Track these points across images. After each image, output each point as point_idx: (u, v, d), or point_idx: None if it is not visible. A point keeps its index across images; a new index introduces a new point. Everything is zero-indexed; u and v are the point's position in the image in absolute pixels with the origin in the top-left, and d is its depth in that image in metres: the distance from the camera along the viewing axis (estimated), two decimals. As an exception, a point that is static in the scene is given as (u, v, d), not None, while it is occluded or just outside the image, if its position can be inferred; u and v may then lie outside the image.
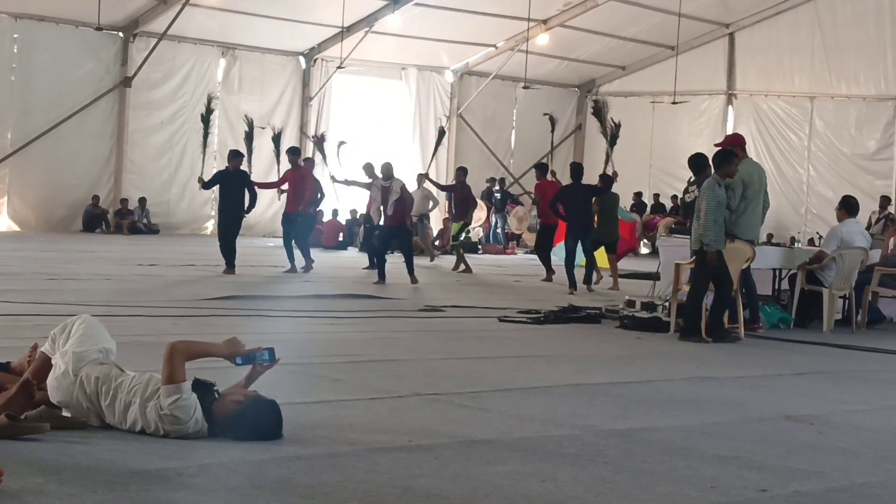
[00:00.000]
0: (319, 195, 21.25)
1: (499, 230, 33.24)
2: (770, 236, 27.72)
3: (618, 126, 20.81)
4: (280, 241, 20.72)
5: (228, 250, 18.49)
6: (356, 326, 12.15)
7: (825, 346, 12.35)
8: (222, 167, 20.93)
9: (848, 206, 14.60)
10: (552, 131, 32.78)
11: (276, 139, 22.21)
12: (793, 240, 20.90)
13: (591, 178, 21.47)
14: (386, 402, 7.38)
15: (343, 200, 29.09)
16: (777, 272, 14.99)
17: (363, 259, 24.37)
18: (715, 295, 12.41)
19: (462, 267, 21.98)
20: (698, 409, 7.81)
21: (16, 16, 27.99)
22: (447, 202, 30.01)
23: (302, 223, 20.02)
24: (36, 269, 17.07)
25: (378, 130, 33.75)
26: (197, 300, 13.62)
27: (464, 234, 22.93)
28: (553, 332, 12.44)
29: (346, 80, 33.61)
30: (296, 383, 7.72)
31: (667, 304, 13.18)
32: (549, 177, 22.36)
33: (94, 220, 29.46)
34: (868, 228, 23.16)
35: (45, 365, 6.22)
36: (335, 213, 29.51)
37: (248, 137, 21.80)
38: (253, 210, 19.72)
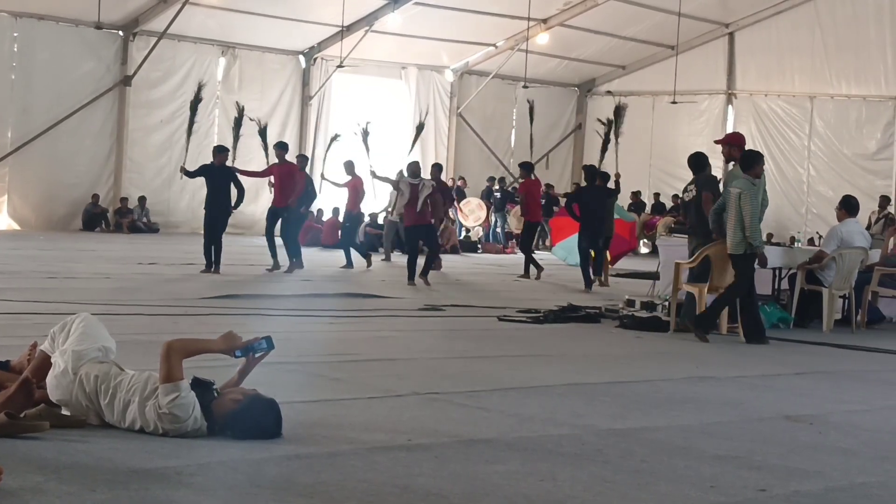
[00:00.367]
0: (312, 194, 21.05)
1: (498, 229, 33.24)
2: (770, 236, 27.72)
3: (611, 123, 21.09)
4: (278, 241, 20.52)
5: (213, 248, 18.29)
6: (355, 325, 12.16)
7: (825, 345, 12.35)
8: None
9: (848, 206, 14.59)
10: (531, 122, 32.45)
11: (262, 133, 22.04)
12: (793, 239, 20.92)
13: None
14: (385, 402, 7.38)
15: (338, 199, 29.06)
16: (777, 272, 14.98)
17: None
18: (727, 291, 12.44)
19: (440, 264, 21.78)
20: (698, 408, 7.81)
21: (16, 14, 27.96)
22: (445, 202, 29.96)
23: (291, 220, 19.97)
24: (35, 268, 17.07)
25: (378, 129, 33.66)
26: (196, 299, 13.62)
27: (435, 234, 22.60)
28: (552, 332, 12.44)
29: (345, 80, 33.58)
30: (295, 382, 7.71)
31: (666, 303, 13.18)
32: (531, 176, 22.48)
33: (93, 218, 29.45)
34: (868, 228, 23.15)
35: (45, 363, 6.22)
36: (335, 211, 29.47)
37: (237, 124, 21.78)
38: (240, 205, 19.44)
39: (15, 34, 28.21)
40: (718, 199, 13.33)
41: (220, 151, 18.99)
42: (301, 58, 33.42)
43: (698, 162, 13.82)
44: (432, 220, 19.13)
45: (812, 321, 14.08)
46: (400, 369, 8.93)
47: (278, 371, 7.30)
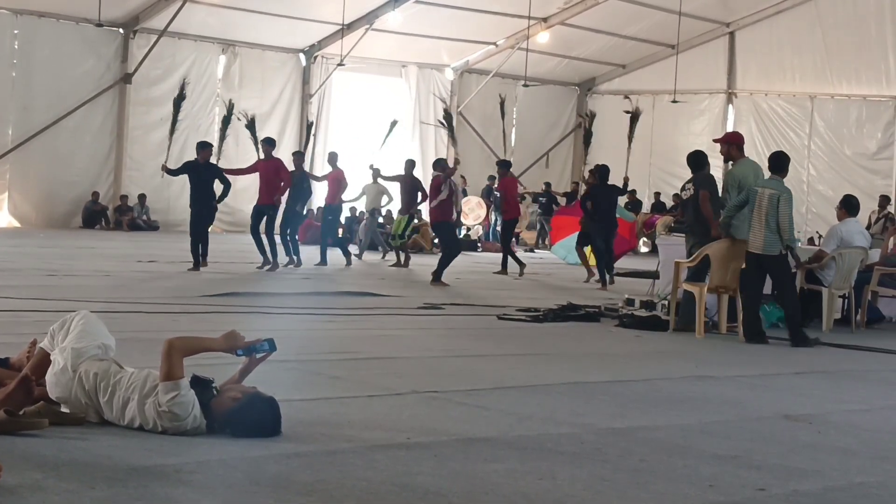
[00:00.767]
0: (308, 191, 20.90)
1: (498, 228, 33.20)
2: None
3: (592, 116, 21.52)
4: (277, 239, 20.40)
5: (200, 245, 18.11)
6: (355, 324, 12.15)
7: (824, 345, 12.35)
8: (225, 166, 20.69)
9: (848, 206, 14.59)
10: (502, 117, 32.32)
11: (251, 126, 21.91)
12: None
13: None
14: (384, 400, 7.38)
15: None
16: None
17: (363, 255, 24.38)
18: (788, 296, 12.59)
19: (403, 262, 21.85)
20: (697, 407, 7.81)
21: (16, 12, 28.00)
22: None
23: (290, 218, 19.95)
24: (35, 265, 17.07)
25: (378, 128, 33.67)
26: (196, 297, 13.61)
27: (409, 229, 22.39)
28: (552, 331, 12.44)
29: (346, 78, 33.61)
30: (294, 380, 7.71)
31: (666, 302, 13.18)
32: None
33: (93, 216, 29.47)
34: (868, 228, 23.16)
35: (44, 361, 6.22)
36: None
37: (226, 122, 21.70)
38: (225, 199, 19.16)
39: (15, 31, 28.25)
40: (716, 197, 13.36)
41: (203, 147, 18.72)
42: (301, 56, 33.43)
43: (697, 160, 13.81)
44: (450, 218, 19.29)
45: (812, 321, 14.07)
46: (399, 367, 8.92)
47: (277, 369, 7.30)
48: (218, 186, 18.61)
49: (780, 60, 35.15)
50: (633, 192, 35.58)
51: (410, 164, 21.89)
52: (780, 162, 12.78)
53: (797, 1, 34.20)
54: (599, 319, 13.67)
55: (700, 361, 10.51)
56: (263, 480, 5.08)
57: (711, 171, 14.04)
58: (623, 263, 24.66)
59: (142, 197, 30.10)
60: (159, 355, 5.90)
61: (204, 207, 18.50)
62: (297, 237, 20.68)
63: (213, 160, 19.16)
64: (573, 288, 18.71)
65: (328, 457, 5.59)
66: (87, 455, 5.32)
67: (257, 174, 19.85)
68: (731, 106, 36.69)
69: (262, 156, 19.86)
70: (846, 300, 14.69)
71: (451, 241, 19.55)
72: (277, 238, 19.50)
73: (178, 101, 21.65)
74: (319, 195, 26.15)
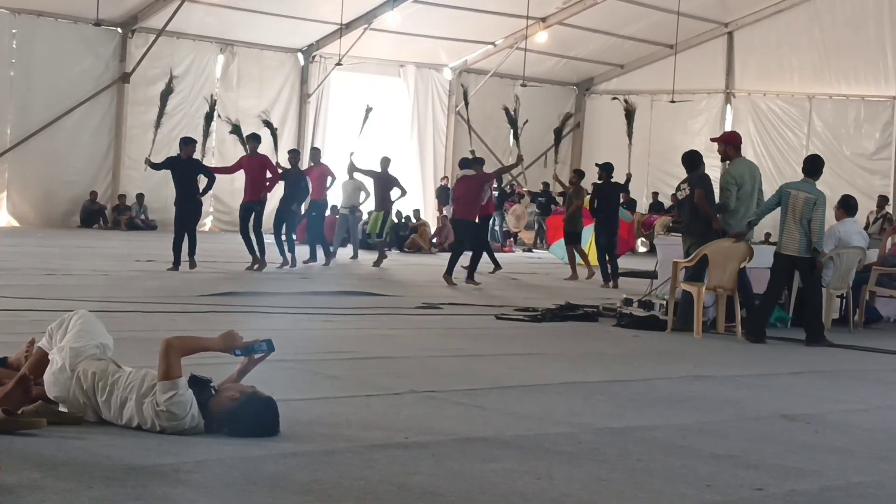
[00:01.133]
0: (304, 190, 20.47)
1: (497, 228, 33.22)
2: (768, 235, 27.73)
3: (568, 116, 21.84)
4: (272, 238, 20.26)
5: (183, 244, 17.79)
6: (353, 323, 12.15)
7: (837, 346, 12.34)
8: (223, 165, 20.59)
9: (846, 206, 14.62)
10: (466, 107, 32.06)
11: (237, 130, 21.77)
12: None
13: (592, 176, 21.69)
14: (382, 399, 7.39)
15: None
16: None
17: (362, 255, 24.35)
18: (813, 297, 12.75)
19: (376, 261, 21.63)
20: (695, 407, 7.82)
21: (15, 11, 27.96)
22: (437, 199, 30.02)
23: (286, 216, 19.84)
24: (34, 265, 17.06)
25: (376, 127, 33.68)
26: (194, 296, 13.61)
27: (386, 227, 22.25)
28: (550, 330, 12.45)
29: (344, 78, 33.57)
30: (292, 380, 7.72)
31: (664, 302, 13.18)
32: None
33: (91, 215, 29.44)
34: (866, 228, 23.18)
35: (43, 360, 6.22)
36: (333, 209, 29.44)
37: (208, 119, 21.56)
38: (209, 192, 18.85)
39: (14, 31, 28.21)
40: (711, 196, 13.38)
41: (186, 143, 18.30)
42: (300, 55, 33.41)
43: (692, 160, 13.81)
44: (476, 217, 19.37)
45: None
46: (397, 367, 8.93)
47: (275, 368, 7.30)
48: (203, 183, 18.42)
49: (779, 60, 35.13)
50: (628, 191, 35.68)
51: (386, 161, 21.72)
52: (814, 165, 12.87)
53: (795, 1, 34.18)
54: (597, 319, 13.68)
55: (698, 361, 10.52)
56: (261, 480, 5.08)
57: (707, 171, 14.03)
58: (621, 263, 24.65)
59: (140, 196, 30.07)
60: (157, 355, 5.90)
61: (188, 203, 18.20)
62: (294, 237, 20.51)
63: (202, 160, 19.04)
64: (571, 288, 18.71)
65: (326, 456, 5.60)
66: (85, 454, 5.33)
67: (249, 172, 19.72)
68: (729, 106, 36.68)
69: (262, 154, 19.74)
70: (844, 300, 14.70)
71: (484, 239, 19.73)
72: (270, 237, 19.40)
73: (166, 94, 21.50)
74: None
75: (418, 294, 15.80)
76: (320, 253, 21.08)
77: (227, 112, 30.14)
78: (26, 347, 6.55)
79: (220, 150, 29.74)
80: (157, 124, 21.34)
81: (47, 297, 12.22)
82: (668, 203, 34.21)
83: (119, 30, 29.75)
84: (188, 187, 18.21)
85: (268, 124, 21.79)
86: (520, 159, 21.05)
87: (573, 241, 21.27)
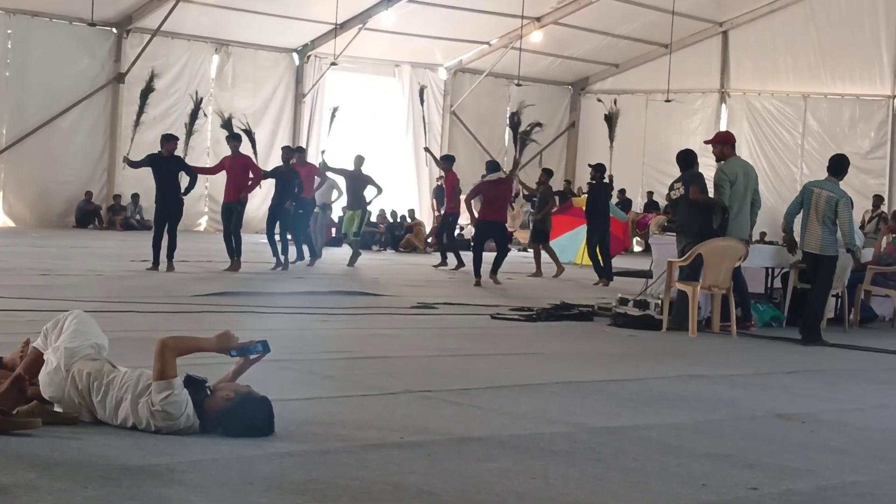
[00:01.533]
0: (299, 189, 20.11)
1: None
2: (763, 234, 27.78)
3: (514, 115, 22.21)
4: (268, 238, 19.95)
5: (163, 243, 17.53)
6: (348, 323, 12.15)
7: (818, 344, 12.37)
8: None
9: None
10: (422, 103, 31.84)
11: (227, 125, 21.60)
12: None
13: (585, 175, 21.87)
14: (378, 399, 7.38)
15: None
16: (770, 271, 15.00)
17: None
18: (818, 293, 12.83)
19: (350, 261, 21.44)
20: (690, 407, 7.82)
21: (10, 11, 27.97)
22: (433, 199, 29.99)
23: (285, 217, 19.66)
24: (29, 265, 17.04)
25: (371, 127, 33.73)
26: (189, 296, 13.60)
27: (361, 226, 22.05)
28: (545, 330, 12.44)
29: (339, 77, 33.60)
30: (288, 380, 7.71)
31: (659, 301, 13.20)
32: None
33: (86, 215, 29.44)
34: (861, 227, 23.20)
35: (37, 360, 6.21)
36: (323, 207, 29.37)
37: (193, 116, 21.42)
38: (191, 192, 18.47)
39: (9, 31, 28.22)
40: (706, 193, 13.40)
41: (168, 140, 18.03)
42: (294, 55, 33.41)
43: (686, 159, 13.82)
44: (505, 218, 19.81)
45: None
46: (393, 367, 8.92)
47: (271, 368, 7.29)
48: (186, 182, 18.07)
49: (774, 60, 35.17)
50: (623, 191, 35.72)
51: (359, 160, 21.57)
52: (839, 164, 12.88)
53: (790, 0, 34.22)
54: (593, 319, 13.69)
55: (693, 361, 10.52)
56: (256, 480, 5.08)
57: (701, 170, 14.05)
58: (616, 263, 24.67)
59: (135, 196, 30.05)
60: (152, 355, 5.90)
61: (169, 202, 17.90)
62: (288, 236, 20.37)
63: (184, 158, 18.81)
64: (566, 287, 18.72)
65: (321, 456, 5.59)
66: (80, 454, 5.32)
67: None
68: (724, 105, 36.72)
69: (280, 161, 19.60)
70: (839, 299, 14.71)
71: (507, 241, 19.87)
72: (262, 237, 19.26)
73: (146, 92, 21.34)
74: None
75: (413, 294, 15.79)
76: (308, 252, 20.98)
77: (222, 112, 30.18)
78: (21, 347, 6.54)
79: (216, 150, 29.71)
80: (137, 122, 21.14)
81: (42, 298, 12.21)
82: (662, 203, 34.24)
83: (114, 30, 29.76)
84: (169, 185, 17.90)
85: (245, 131, 21.59)
86: (512, 173, 21.12)
87: (542, 239, 21.83)
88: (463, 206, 21.13)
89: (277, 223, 19.92)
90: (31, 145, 28.61)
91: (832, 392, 9.18)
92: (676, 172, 13.99)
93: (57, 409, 6.05)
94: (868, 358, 11.73)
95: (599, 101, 36.29)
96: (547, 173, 22.43)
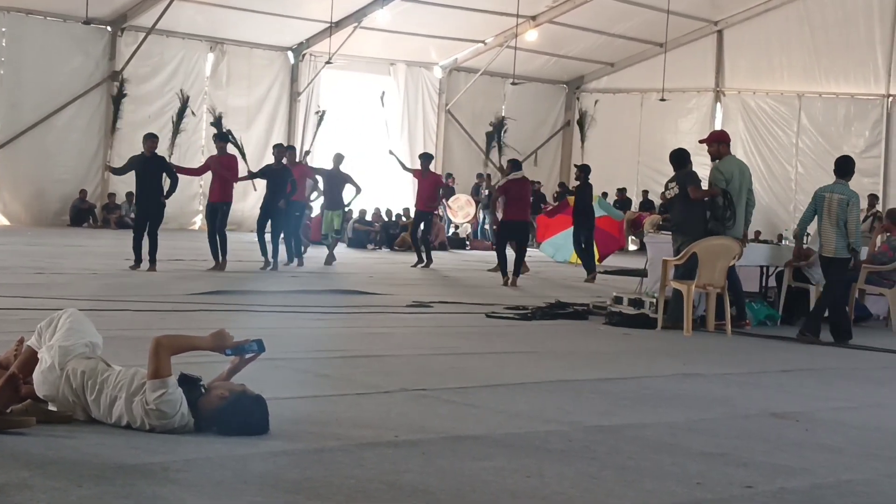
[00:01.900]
0: (293, 187, 19.72)
1: (487, 226, 33.24)
2: (758, 233, 27.77)
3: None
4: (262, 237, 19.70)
5: (143, 244, 17.23)
6: (343, 322, 12.14)
7: (812, 343, 12.38)
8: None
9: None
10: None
11: (217, 123, 21.40)
12: (780, 237, 20.98)
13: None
14: (373, 398, 7.38)
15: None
16: (765, 269, 15.01)
17: (352, 254, 24.37)
18: (828, 293, 12.83)
19: (327, 259, 21.30)
20: (685, 405, 7.82)
21: (4, 9, 27.94)
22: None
23: (283, 216, 19.46)
24: (23, 263, 17.03)
25: (366, 126, 33.70)
26: (184, 295, 13.59)
27: (342, 225, 21.96)
28: (540, 329, 12.45)
29: (334, 76, 33.58)
30: (282, 378, 7.71)
31: (654, 300, 13.21)
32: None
33: (81, 214, 29.41)
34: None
35: (32, 359, 6.20)
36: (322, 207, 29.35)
37: (180, 114, 21.25)
38: (173, 194, 18.04)
39: (3, 29, 28.19)
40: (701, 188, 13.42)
41: (149, 139, 17.68)
42: (290, 54, 33.39)
43: (680, 158, 13.82)
44: (528, 218, 19.88)
45: (799, 318, 14.10)
46: (388, 366, 8.92)
47: (266, 367, 7.28)
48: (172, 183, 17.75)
49: (769, 59, 35.17)
50: (624, 189, 35.80)
51: (338, 158, 21.41)
52: (845, 166, 12.93)
53: (785, -1, 34.28)
54: (588, 317, 13.70)
55: (688, 359, 10.52)
56: (251, 478, 5.07)
57: (696, 169, 14.05)
58: (611, 261, 24.70)
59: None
60: (147, 353, 5.89)
61: (148, 202, 17.60)
62: (281, 236, 20.15)
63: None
64: (561, 286, 18.73)
65: (316, 455, 5.59)
66: (74, 453, 5.31)
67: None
68: (719, 104, 36.72)
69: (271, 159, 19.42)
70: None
71: (527, 241, 19.93)
72: (251, 235, 19.15)
73: (119, 98, 21.08)
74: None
75: (408, 293, 15.79)
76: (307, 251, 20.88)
77: (214, 108, 30.18)
78: (15, 346, 6.53)
79: (209, 148, 29.58)
80: (113, 129, 20.87)
81: (36, 296, 12.20)
82: (657, 201, 34.25)
83: (108, 28, 29.73)
84: (150, 185, 17.52)
85: (230, 138, 21.32)
86: (489, 178, 21.41)
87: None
88: (460, 205, 21.21)
89: (269, 222, 19.62)
90: (25, 143, 28.58)
91: (827, 391, 9.18)
92: (671, 171, 13.99)
93: (51, 407, 6.04)
94: (862, 356, 11.74)
95: (577, 98, 36.48)
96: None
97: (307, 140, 30.82)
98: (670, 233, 14.00)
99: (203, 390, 6.02)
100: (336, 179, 21.28)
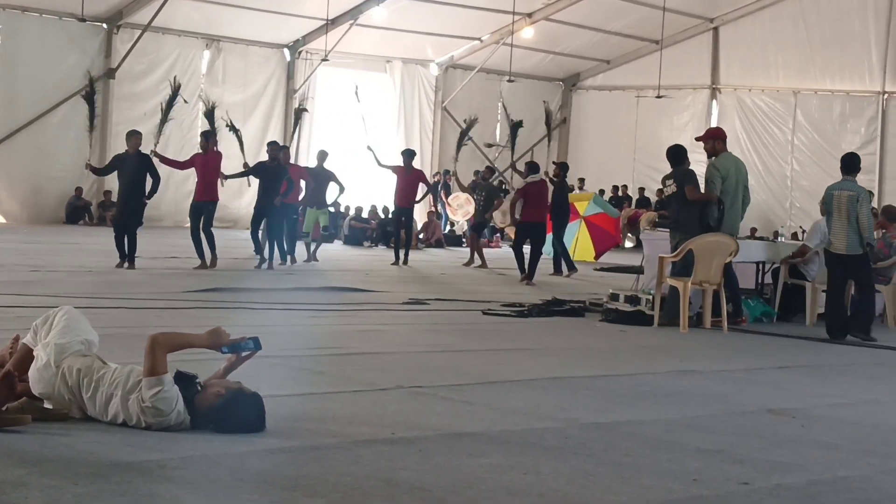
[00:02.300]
0: (290, 186, 19.38)
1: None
2: (754, 230, 27.81)
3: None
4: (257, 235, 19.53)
5: (126, 243, 16.96)
6: (340, 319, 12.13)
7: (808, 339, 12.39)
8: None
9: (831, 201, 14.63)
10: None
11: (210, 115, 21.23)
12: (776, 234, 21.00)
13: (580, 172, 22.05)
14: (369, 395, 7.37)
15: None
16: (761, 266, 15.02)
17: (348, 251, 24.36)
18: (865, 292, 12.90)
19: (309, 256, 21.05)
20: (681, 402, 7.82)
21: (-1, 7, 27.94)
22: (430, 195, 30.00)
23: (277, 215, 19.15)
24: (18, 261, 17.01)
25: (362, 123, 33.65)
26: (180, 292, 13.58)
27: (326, 222, 21.83)
28: (536, 326, 12.45)
29: (330, 73, 33.55)
30: (279, 376, 7.70)
31: (650, 297, 13.21)
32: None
33: (76, 211, 29.38)
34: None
35: (27, 356, 6.20)
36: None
37: (170, 102, 21.03)
38: (154, 195, 17.74)
39: (-1, 26, 28.16)
40: (698, 190, 13.40)
41: (132, 135, 17.34)
42: (286, 51, 33.38)
43: (676, 155, 13.82)
44: (545, 219, 20.19)
45: (795, 315, 14.14)
46: (384, 363, 8.92)
47: (262, 365, 7.28)
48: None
49: (764, 56, 35.20)
50: (625, 186, 35.87)
51: (322, 156, 21.21)
52: (851, 163, 12.95)
53: (781, -4, 34.30)
54: (584, 314, 13.71)
55: (684, 356, 10.53)
56: (247, 476, 5.07)
57: (692, 166, 14.05)
58: (608, 258, 24.73)
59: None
60: (142, 351, 5.88)
61: (128, 202, 17.31)
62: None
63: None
64: (557, 283, 18.73)
65: (312, 452, 5.58)
66: (70, 451, 5.31)
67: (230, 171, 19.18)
68: (714, 101, 36.75)
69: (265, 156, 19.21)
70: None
71: (543, 242, 19.92)
72: (247, 233, 19.00)
73: (92, 95, 20.83)
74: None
75: (405, 290, 15.79)
76: (305, 251, 20.79)
77: (208, 100, 30.08)
78: (11, 344, 6.52)
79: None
80: (91, 128, 20.69)
81: (32, 294, 12.19)
82: (653, 198, 34.28)
83: (104, 25, 29.69)
84: (132, 184, 17.20)
85: (232, 128, 21.06)
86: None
87: (480, 231, 23.29)
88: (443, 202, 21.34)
89: (264, 221, 19.36)
90: (21, 141, 28.54)
91: (823, 387, 9.18)
92: (667, 168, 13.98)
93: (47, 405, 6.03)
94: (858, 353, 11.73)
95: (545, 102, 36.54)
96: (490, 171, 23.45)
97: (288, 136, 30.82)
98: (668, 230, 13.99)
99: (199, 388, 6.01)
100: (320, 178, 21.02)
